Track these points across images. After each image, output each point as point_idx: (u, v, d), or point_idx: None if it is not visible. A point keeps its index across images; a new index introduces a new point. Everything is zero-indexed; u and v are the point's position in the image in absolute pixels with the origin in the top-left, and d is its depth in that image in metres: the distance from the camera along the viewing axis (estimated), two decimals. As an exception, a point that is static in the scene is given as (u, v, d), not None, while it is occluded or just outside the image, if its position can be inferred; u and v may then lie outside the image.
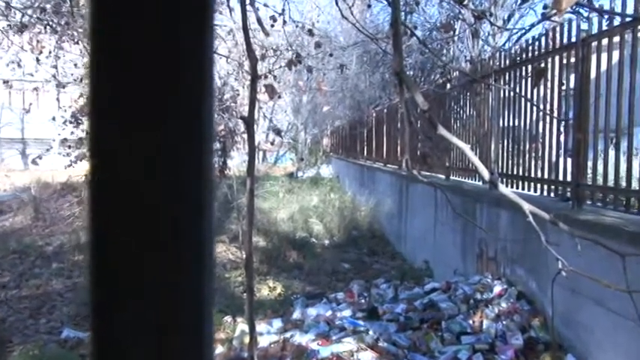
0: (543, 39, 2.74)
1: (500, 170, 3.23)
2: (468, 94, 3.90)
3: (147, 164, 0.16)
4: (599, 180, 2.24)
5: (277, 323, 2.67)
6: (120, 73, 0.16)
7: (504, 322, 2.24)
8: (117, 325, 0.16)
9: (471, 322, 2.32)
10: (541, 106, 2.73)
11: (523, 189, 2.89)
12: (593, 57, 2.35)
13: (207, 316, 0.17)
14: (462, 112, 4.09)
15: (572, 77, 2.50)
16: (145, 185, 0.16)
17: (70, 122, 5.54)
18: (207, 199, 0.17)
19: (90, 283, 0.16)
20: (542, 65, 2.70)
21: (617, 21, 2.16)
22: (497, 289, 2.50)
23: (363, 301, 2.98)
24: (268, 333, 2.52)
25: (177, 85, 0.17)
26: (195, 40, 0.17)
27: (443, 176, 4.30)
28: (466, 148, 0.76)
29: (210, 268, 0.17)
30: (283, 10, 3.01)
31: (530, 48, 2.88)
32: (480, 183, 3.51)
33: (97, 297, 0.16)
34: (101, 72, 0.16)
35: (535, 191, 2.81)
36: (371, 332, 2.31)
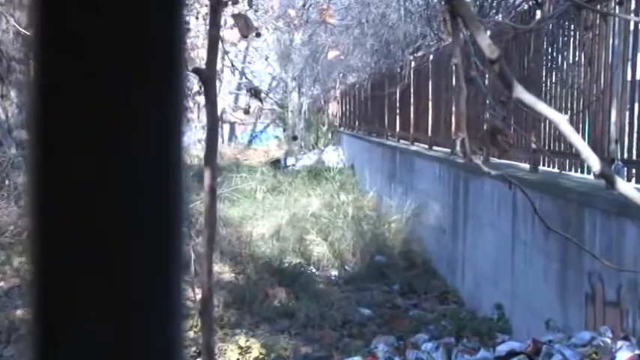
0: None
1: (626, 155, 3.11)
2: (571, 28, 3.88)
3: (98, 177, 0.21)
4: None
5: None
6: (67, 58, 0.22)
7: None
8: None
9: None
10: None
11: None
12: None
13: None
14: (559, 59, 4.09)
15: None
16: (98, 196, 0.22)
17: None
18: (175, 206, 0.22)
19: (31, 313, 0.22)
20: None
21: None
22: (625, 355, 2.31)
23: (393, 370, 2.99)
24: None
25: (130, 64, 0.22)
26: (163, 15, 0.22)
27: (526, 165, 4.31)
28: (559, 119, 0.76)
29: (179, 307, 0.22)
30: None
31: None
32: (592, 177, 3.36)
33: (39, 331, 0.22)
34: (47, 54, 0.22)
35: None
36: None
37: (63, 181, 0.21)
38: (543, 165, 4.20)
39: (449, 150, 5.69)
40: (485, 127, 4.00)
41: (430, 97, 6.87)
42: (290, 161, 12.50)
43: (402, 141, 8.18)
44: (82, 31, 0.21)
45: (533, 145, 4.09)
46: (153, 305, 0.22)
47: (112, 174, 0.22)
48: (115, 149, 0.22)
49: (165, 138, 0.23)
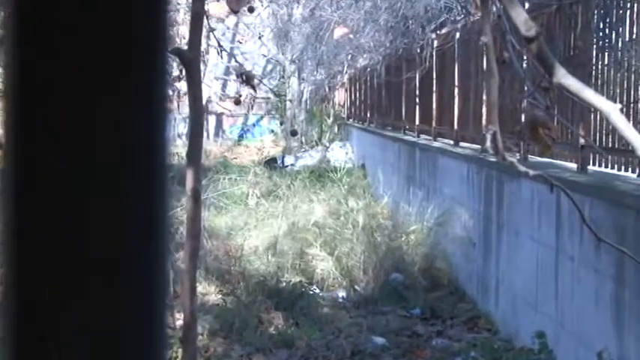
0: None
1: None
2: None
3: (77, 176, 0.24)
4: None
5: None
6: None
7: None
8: None
9: None
10: None
11: None
12: None
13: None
14: (612, 37, 4.08)
15: None
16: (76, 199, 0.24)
17: None
18: (160, 213, 0.25)
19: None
20: None
21: None
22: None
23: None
24: None
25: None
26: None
27: (573, 165, 4.31)
28: (609, 109, 0.76)
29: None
30: None
31: None
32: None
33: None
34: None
35: None
36: None
37: (39, 182, 0.24)
38: (594, 164, 4.19)
39: (479, 146, 5.69)
40: (523, 118, 4.00)
41: (456, 83, 6.87)
42: (288, 160, 12.52)
43: (422, 136, 8.18)
44: (57, 19, 0.23)
45: (582, 141, 4.09)
46: (133, 321, 0.25)
47: (90, 176, 0.24)
48: (92, 148, 0.24)
49: (149, 137, 0.25)
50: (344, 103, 16.64)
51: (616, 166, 4.01)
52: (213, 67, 14.95)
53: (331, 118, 14.48)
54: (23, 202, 0.24)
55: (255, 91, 3.51)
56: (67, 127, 0.24)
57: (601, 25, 4.19)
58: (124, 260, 0.25)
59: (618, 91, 3.99)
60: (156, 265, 0.25)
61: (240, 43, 15.14)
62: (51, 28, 0.24)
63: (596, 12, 4.18)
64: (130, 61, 0.24)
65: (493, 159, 4.79)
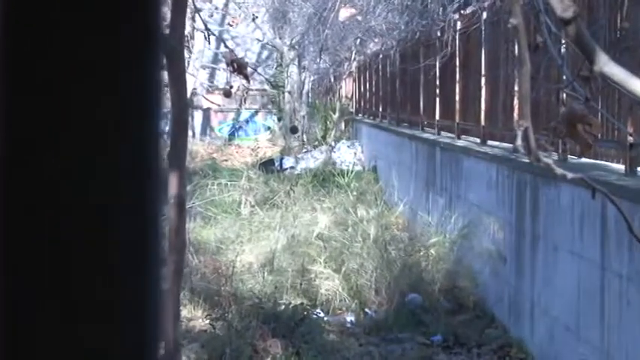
0: None
1: None
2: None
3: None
4: None
5: None
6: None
7: None
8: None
9: None
10: None
11: None
12: None
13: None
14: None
15: None
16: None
17: None
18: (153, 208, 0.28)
19: None
20: None
21: None
22: None
23: None
24: None
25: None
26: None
27: (620, 166, 4.30)
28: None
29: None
30: None
31: None
32: None
33: None
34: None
35: None
36: None
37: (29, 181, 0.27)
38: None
39: (510, 145, 5.69)
40: (560, 113, 3.98)
41: (483, 71, 6.87)
42: (288, 162, 12.55)
43: (444, 133, 8.19)
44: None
45: (630, 139, 4.08)
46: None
47: (79, 178, 0.27)
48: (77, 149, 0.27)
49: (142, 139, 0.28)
50: (352, 96, 16.67)
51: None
52: (199, 55, 15.00)
53: (337, 113, 14.50)
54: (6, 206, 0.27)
55: (248, 81, 3.52)
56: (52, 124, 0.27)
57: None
58: (113, 259, 0.28)
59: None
60: (147, 278, 0.29)
61: (231, 25, 15.19)
62: (45, 26, 0.27)
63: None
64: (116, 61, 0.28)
65: (526, 160, 4.77)
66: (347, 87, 17.39)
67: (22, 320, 0.28)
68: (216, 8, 14.41)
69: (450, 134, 7.88)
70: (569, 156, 4.77)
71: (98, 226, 0.27)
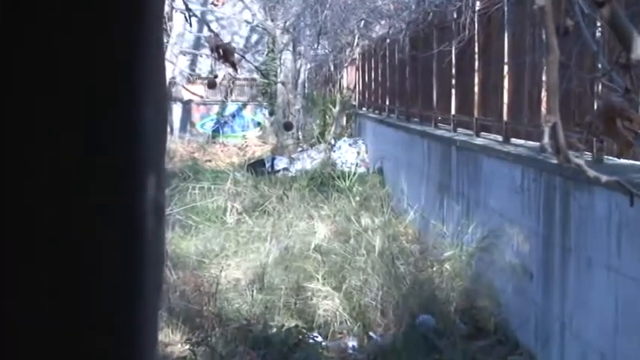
0: None
1: None
2: None
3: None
4: None
5: None
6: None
7: None
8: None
9: None
10: None
11: None
12: None
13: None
14: None
15: None
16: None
17: None
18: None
19: None
20: None
21: None
22: None
23: None
24: None
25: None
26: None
27: (661, 169, 4.31)
28: None
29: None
30: None
31: None
32: None
33: None
34: None
35: None
36: None
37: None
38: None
39: (537, 143, 5.70)
40: (596, 106, 3.98)
41: (506, 59, 6.89)
42: (280, 163, 12.56)
43: (460, 130, 8.20)
44: None
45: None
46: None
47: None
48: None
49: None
50: (355, 87, 16.69)
51: None
52: (178, 39, 15.01)
53: (337, 107, 14.52)
54: None
55: (235, 69, 3.53)
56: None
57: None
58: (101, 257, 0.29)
59: None
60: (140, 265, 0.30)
61: (215, 5, 15.19)
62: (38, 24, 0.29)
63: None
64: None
65: (555, 161, 4.77)
66: (349, 77, 17.41)
67: None
68: (199, -15, 14.44)
69: (467, 131, 7.89)
70: (605, 156, 4.78)
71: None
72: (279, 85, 15.22)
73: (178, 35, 14.51)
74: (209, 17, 14.70)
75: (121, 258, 0.30)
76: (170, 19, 13.15)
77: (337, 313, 6.00)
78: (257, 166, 12.06)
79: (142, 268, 0.30)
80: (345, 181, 10.29)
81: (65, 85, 0.28)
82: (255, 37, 17.55)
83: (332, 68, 16.76)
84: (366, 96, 15.47)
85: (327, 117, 14.60)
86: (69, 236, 0.28)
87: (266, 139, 16.37)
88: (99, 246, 0.29)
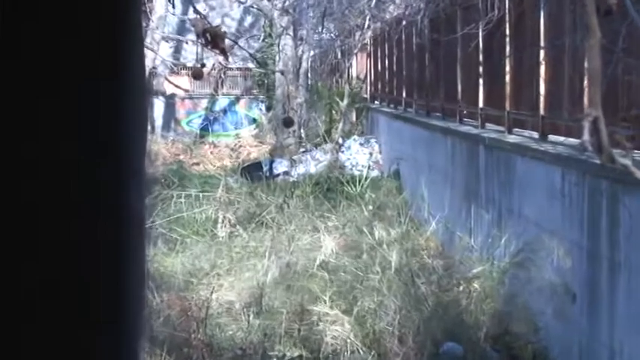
0: None
1: None
2: None
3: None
4: None
5: None
6: None
7: None
8: None
9: None
10: None
11: None
12: None
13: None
14: None
15: None
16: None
17: None
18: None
19: None
20: None
21: None
22: None
23: None
24: None
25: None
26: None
27: None
28: None
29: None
30: None
31: None
32: None
33: None
34: None
35: None
36: None
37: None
38: None
39: (577, 140, 5.68)
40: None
41: (542, 42, 6.89)
42: (280, 166, 12.57)
43: (489, 125, 8.20)
44: None
45: None
46: None
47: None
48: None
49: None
50: (365, 77, 16.71)
51: None
52: (159, 22, 15.05)
53: (346, 100, 14.53)
54: None
55: (226, 58, 3.54)
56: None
57: None
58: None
59: None
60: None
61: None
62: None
63: None
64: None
65: (599, 161, 4.76)
66: (359, 65, 17.43)
67: None
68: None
69: (498, 127, 7.89)
70: (658, 155, 4.78)
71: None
72: (278, 76, 15.22)
73: (160, 18, 14.54)
74: (196, -3, 14.73)
75: (102, 260, 0.31)
76: (151, 0, 13.20)
77: (348, 340, 6.00)
78: (253, 170, 12.08)
79: (125, 272, 0.32)
80: (355, 186, 10.30)
81: (65, 85, 0.30)
82: (249, 20, 17.58)
83: (339, 56, 16.77)
84: (379, 87, 15.48)
85: (333, 112, 14.61)
86: (50, 237, 0.31)
87: (263, 139, 16.39)
88: (78, 249, 0.31)
